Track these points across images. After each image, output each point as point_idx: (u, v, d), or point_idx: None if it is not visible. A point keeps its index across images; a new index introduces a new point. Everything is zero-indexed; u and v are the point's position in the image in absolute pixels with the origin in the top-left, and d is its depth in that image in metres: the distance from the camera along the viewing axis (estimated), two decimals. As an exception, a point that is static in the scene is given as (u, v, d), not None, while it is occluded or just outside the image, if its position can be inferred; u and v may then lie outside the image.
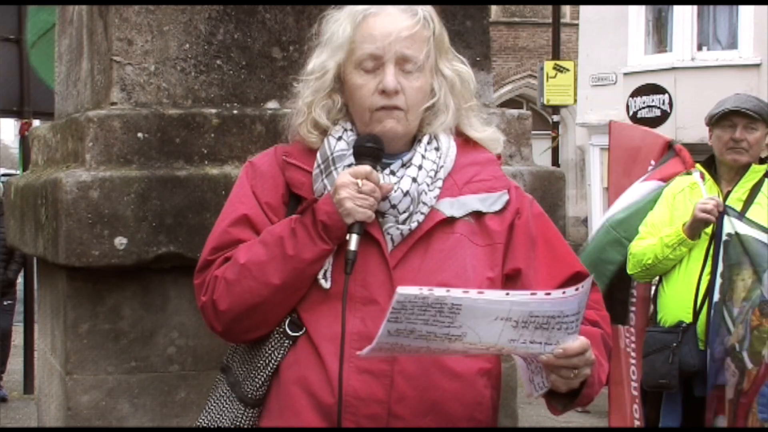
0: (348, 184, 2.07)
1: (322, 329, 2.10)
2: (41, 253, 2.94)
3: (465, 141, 2.27)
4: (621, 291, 4.97)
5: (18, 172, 12.50)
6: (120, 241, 2.65)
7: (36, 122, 9.58)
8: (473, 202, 2.19)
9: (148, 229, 2.67)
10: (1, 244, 8.68)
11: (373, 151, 2.13)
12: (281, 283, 2.09)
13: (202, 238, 2.68)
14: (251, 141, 2.81)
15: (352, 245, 2.07)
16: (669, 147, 4.99)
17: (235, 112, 2.84)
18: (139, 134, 2.74)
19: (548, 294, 1.88)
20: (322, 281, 2.11)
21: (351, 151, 2.16)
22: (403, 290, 1.85)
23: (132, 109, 2.78)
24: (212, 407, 2.23)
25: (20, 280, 9.86)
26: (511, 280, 2.21)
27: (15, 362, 9.73)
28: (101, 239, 2.63)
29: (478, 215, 2.19)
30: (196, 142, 2.78)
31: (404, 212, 2.12)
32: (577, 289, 1.88)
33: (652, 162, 5.00)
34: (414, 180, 2.14)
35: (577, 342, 1.96)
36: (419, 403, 2.08)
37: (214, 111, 2.82)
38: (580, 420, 8.63)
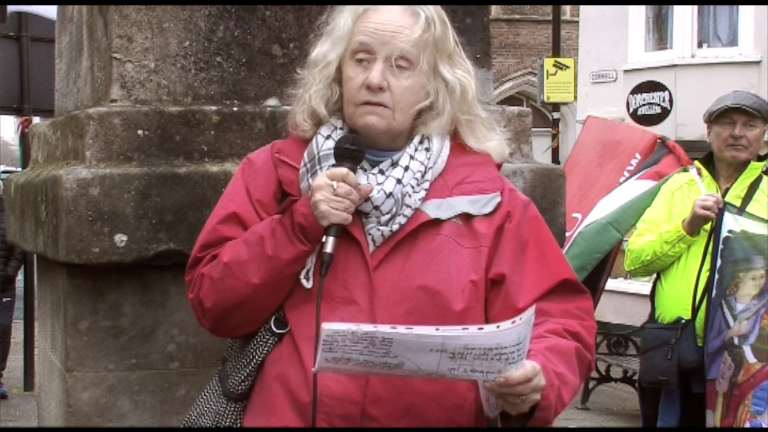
0: (323, 187, 2.05)
1: (302, 328, 2.10)
2: (41, 250, 2.94)
3: (461, 143, 2.24)
4: (591, 279, 4.98)
5: (18, 169, 12.49)
6: (120, 238, 2.65)
7: (36, 119, 9.58)
8: (462, 203, 2.16)
9: (148, 227, 2.67)
10: (0, 241, 8.69)
11: (352, 153, 2.11)
12: (260, 282, 2.09)
13: (202, 236, 2.70)
14: (251, 138, 2.81)
15: (328, 248, 2.06)
16: (660, 144, 4.99)
17: (235, 109, 2.84)
18: (139, 131, 2.74)
19: (480, 329, 1.87)
20: (304, 281, 2.11)
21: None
22: (328, 326, 1.86)
23: (132, 107, 2.78)
24: (201, 401, 2.26)
25: (20, 276, 9.87)
26: (495, 285, 2.17)
27: (15, 359, 9.73)
28: (101, 236, 2.63)
29: (467, 217, 2.16)
30: (196, 140, 2.79)
31: (387, 213, 2.11)
32: (513, 322, 1.86)
33: (637, 155, 4.99)
34: (398, 181, 2.11)
35: (520, 371, 1.92)
36: (395, 405, 2.07)
37: (214, 108, 2.82)
38: (580, 417, 8.64)
